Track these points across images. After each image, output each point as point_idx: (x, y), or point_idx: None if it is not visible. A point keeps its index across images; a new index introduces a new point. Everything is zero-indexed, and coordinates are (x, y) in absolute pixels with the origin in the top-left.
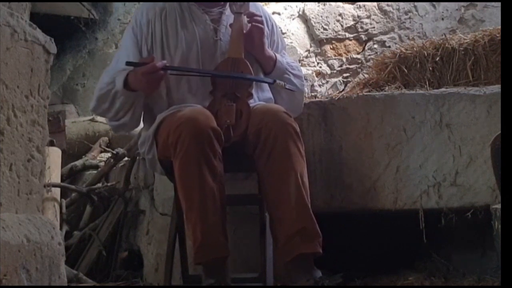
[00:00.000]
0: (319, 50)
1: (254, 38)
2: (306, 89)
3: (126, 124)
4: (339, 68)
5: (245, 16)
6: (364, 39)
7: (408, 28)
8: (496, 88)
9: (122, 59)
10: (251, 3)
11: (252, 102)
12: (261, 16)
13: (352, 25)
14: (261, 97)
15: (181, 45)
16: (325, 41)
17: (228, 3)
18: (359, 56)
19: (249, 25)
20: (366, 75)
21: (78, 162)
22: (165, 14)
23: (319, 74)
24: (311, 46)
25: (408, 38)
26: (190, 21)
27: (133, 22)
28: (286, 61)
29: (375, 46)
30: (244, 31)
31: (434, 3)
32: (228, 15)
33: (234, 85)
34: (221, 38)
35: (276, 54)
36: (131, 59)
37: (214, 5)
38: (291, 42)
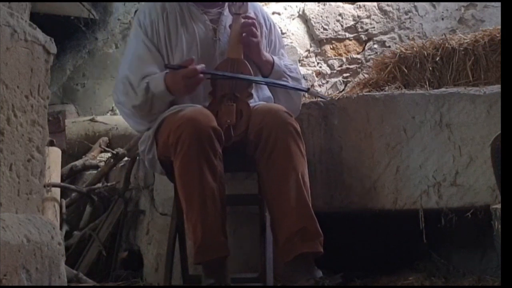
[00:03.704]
0: (319, 50)
1: (250, 44)
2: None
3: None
4: (339, 68)
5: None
6: (364, 39)
7: (408, 28)
8: (496, 88)
9: (144, 59)
10: (250, 3)
11: (252, 102)
12: (253, 22)
13: (352, 25)
14: (261, 96)
15: (181, 44)
16: (325, 41)
17: (226, 4)
18: (359, 56)
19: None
20: (366, 75)
21: (78, 162)
22: (166, 14)
23: (319, 74)
24: (311, 46)
25: (408, 38)
26: (190, 21)
27: (137, 25)
28: (284, 63)
29: (375, 46)
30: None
31: (434, 3)
32: (226, 15)
33: (234, 85)
34: (220, 38)
35: (274, 58)
36: (149, 60)
37: (213, 5)
38: (291, 42)
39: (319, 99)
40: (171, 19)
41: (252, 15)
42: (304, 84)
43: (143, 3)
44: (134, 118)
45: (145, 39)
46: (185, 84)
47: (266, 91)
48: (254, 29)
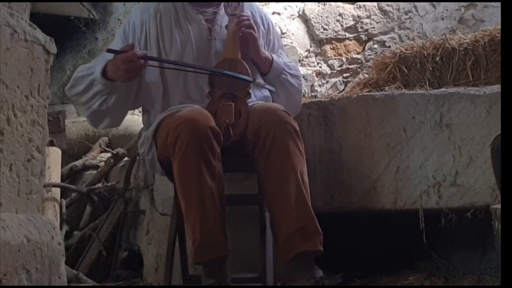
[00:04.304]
0: (319, 50)
1: (248, 42)
2: (306, 89)
3: (96, 112)
4: (339, 68)
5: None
6: (364, 39)
7: (408, 28)
8: (496, 88)
9: (106, 58)
10: (247, 3)
11: (251, 101)
12: (248, 18)
13: (352, 25)
14: (258, 95)
15: (175, 45)
16: (325, 41)
17: (222, 3)
18: (359, 56)
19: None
20: (366, 75)
21: (78, 162)
22: (160, 16)
23: (319, 74)
24: (311, 46)
25: (408, 38)
26: (185, 21)
27: (126, 24)
28: (283, 61)
29: (375, 46)
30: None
31: (434, 3)
32: (222, 15)
33: (232, 84)
34: (215, 37)
35: (273, 55)
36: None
37: (208, 5)
38: (291, 42)
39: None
40: (164, 19)
41: (248, 15)
42: (304, 85)
43: (139, 3)
44: (77, 99)
45: (123, 37)
46: (125, 69)
47: (264, 91)
48: (250, 22)
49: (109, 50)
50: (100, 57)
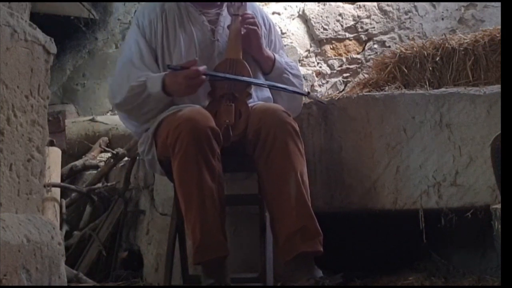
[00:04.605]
0: (319, 50)
1: (251, 40)
2: (305, 89)
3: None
4: (339, 68)
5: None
6: (364, 39)
7: (408, 28)
8: (496, 88)
9: (135, 58)
10: (249, 3)
11: (251, 102)
12: (253, 17)
13: (352, 25)
14: (260, 96)
15: (179, 45)
16: (325, 41)
17: (225, 5)
18: (359, 56)
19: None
20: (366, 75)
21: (78, 162)
22: (165, 15)
23: (319, 74)
24: (311, 46)
25: (408, 38)
26: (188, 22)
27: (135, 25)
28: (285, 61)
29: (375, 46)
30: (242, 33)
31: (434, 3)
32: (225, 16)
33: (233, 85)
34: (218, 39)
35: (275, 54)
36: (146, 60)
37: (211, 6)
38: (291, 42)
39: (319, 102)
40: (169, 19)
41: (252, 14)
42: (304, 85)
43: (142, 3)
44: (129, 120)
45: (141, 40)
46: (186, 85)
47: (266, 92)
48: (254, 20)
49: (170, 67)
50: (130, 69)
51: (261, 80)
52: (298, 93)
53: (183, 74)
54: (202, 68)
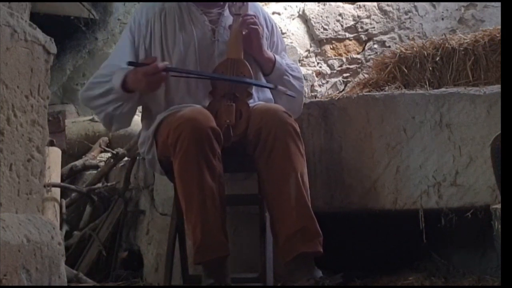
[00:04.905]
0: (319, 50)
1: (252, 40)
2: (306, 89)
3: (110, 115)
4: (339, 68)
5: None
6: (364, 39)
7: (408, 28)
8: (496, 88)
9: (118, 57)
10: (250, 4)
11: (252, 102)
12: (254, 17)
13: (352, 25)
14: (261, 97)
15: (178, 45)
16: (325, 41)
17: (227, 4)
18: (359, 56)
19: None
20: (366, 75)
21: (78, 162)
22: (164, 15)
23: (319, 74)
24: (311, 46)
25: (408, 38)
26: (189, 21)
27: (132, 21)
28: (286, 62)
29: (375, 46)
30: (243, 33)
31: (434, 3)
32: (226, 16)
33: (233, 85)
34: (218, 39)
35: (276, 56)
36: (127, 58)
37: (213, 5)
38: (291, 42)
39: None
40: (169, 19)
41: (254, 14)
42: (304, 86)
43: (140, 2)
44: (90, 102)
45: (131, 37)
46: (146, 81)
47: (267, 93)
48: (256, 20)
49: (130, 63)
50: (110, 64)
51: (225, 76)
52: (265, 86)
53: (142, 71)
54: (162, 64)
